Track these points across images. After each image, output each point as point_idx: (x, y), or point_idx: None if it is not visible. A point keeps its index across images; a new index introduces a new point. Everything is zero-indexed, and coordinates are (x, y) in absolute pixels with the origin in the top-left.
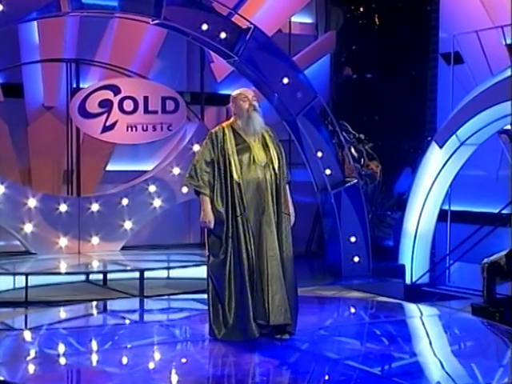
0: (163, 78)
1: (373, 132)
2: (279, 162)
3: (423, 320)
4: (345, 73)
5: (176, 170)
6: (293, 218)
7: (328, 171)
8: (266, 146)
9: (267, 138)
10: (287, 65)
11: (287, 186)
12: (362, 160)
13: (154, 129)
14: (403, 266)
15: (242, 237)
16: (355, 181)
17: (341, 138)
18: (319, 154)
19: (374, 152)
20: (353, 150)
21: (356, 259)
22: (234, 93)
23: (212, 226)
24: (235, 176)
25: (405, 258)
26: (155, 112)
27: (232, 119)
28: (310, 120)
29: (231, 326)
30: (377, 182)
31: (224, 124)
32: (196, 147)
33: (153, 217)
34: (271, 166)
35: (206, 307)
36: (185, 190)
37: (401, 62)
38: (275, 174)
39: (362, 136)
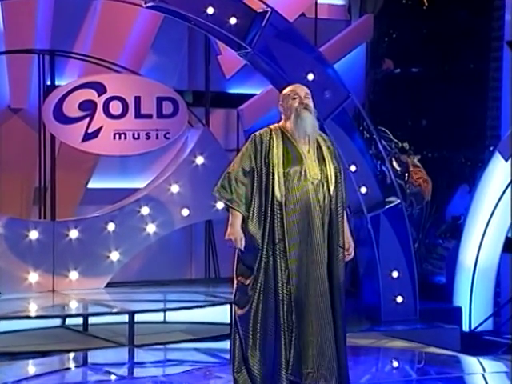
0: (159, 74)
1: (420, 140)
2: (336, 182)
3: (486, 378)
4: (384, 66)
5: (174, 188)
6: (352, 252)
7: (364, 189)
8: (322, 160)
9: (324, 149)
10: (313, 57)
11: (345, 213)
12: (407, 175)
13: (148, 137)
14: (459, 309)
15: (280, 271)
16: (398, 201)
17: (380, 148)
18: (353, 168)
19: (422, 165)
20: (395, 162)
21: (399, 299)
22: (285, 91)
23: (241, 245)
24: (277, 194)
25: (461, 298)
26: (149, 116)
27: (282, 122)
28: (340, 125)
29: (259, 381)
30: (425, 202)
31: (272, 126)
32: (199, 159)
33: (146, 246)
34: (326, 186)
35: (230, 356)
36: (185, 212)
37: (455, 53)
38: (330, 195)
39: (407, 145)
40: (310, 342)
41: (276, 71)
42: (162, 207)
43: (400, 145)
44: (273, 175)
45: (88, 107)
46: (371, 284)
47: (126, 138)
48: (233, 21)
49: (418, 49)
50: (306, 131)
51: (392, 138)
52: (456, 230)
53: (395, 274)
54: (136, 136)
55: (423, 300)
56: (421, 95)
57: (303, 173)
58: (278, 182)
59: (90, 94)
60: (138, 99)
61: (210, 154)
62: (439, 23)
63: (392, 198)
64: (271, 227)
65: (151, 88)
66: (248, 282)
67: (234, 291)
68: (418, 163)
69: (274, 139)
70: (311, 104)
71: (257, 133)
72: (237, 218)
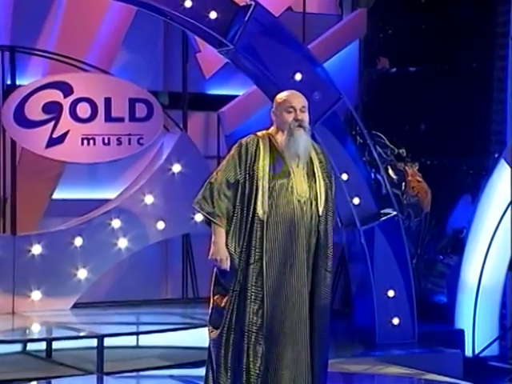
0: (131, 73)
1: (418, 146)
2: (326, 200)
3: None
4: (379, 66)
5: (148, 199)
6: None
7: (356, 200)
8: (312, 176)
9: (316, 163)
10: (300, 55)
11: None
12: (404, 184)
13: (119, 142)
14: (462, 332)
15: (249, 296)
16: (394, 213)
17: (374, 155)
18: (344, 177)
19: (421, 173)
20: (391, 170)
21: (395, 321)
22: (278, 97)
23: (227, 266)
24: (259, 210)
25: (464, 320)
26: (120, 119)
27: (272, 129)
28: (331, 130)
29: None
30: (424, 214)
31: (260, 134)
32: (176, 167)
33: (117, 262)
34: (314, 204)
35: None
36: (160, 225)
37: (457, 51)
38: (319, 216)
39: (404, 152)
40: (283, 376)
41: (260, 70)
42: (135, 220)
43: (396, 151)
44: (256, 189)
45: (53, 109)
46: (365, 304)
47: (94, 143)
48: (213, 15)
49: (415, 46)
50: (297, 153)
51: (388, 143)
52: (458, 245)
53: (391, 293)
54: (106, 141)
55: (422, 322)
56: (419, 97)
57: (290, 189)
58: (262, 197)
59: (55, 95)
60: (108, 101)
61: (187, 161)
62: (439, 18)
63: (387, 210)
64: (248, 246)
65: (123, 89)
66: (223, 303)
67: (209, 311)
68: (417, 171)
69: (261, 149)
70: (307, 119)
71: (243, 140)
72: (220, 235)
